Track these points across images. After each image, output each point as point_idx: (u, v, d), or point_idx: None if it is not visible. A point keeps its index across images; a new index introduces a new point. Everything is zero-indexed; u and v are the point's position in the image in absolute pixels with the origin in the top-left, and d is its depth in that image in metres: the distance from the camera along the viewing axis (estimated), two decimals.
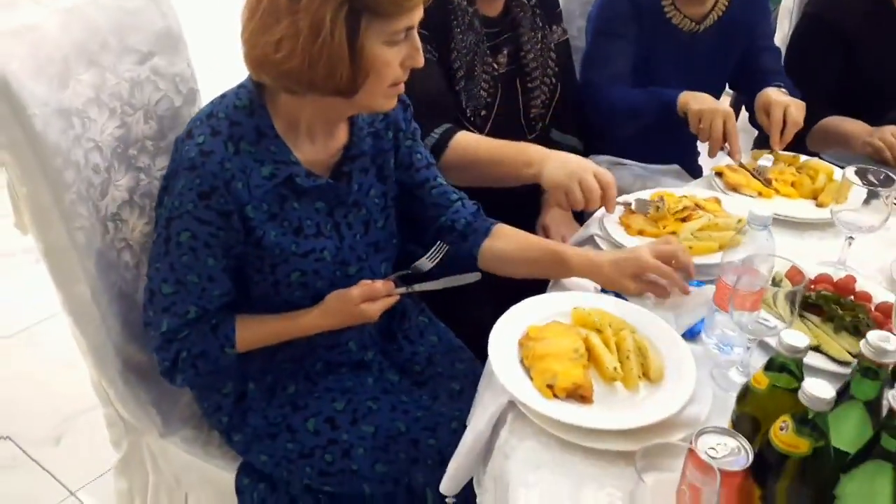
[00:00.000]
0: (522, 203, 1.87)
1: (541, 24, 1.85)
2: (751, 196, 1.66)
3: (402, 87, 1.29)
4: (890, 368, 0.89)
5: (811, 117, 1.91)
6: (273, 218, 1.29)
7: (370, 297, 1.36)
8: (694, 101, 1.77)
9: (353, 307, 1.35)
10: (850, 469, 0.85)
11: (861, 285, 1.38)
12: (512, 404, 1.15)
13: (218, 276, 1.29)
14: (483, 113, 1.76)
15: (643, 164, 2.11)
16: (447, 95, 1.70)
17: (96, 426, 1.59)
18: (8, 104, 1.18)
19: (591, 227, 1.55)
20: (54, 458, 2.12)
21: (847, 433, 0.90)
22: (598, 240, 1.51)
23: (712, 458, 0.89)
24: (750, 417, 0.97)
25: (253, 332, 1.36)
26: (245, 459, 1.41)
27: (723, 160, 1.77)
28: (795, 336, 0.92)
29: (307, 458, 1.35)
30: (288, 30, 1.16)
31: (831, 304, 1.30)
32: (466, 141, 1.64)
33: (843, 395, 0.91)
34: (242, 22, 1.23)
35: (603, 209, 1.52)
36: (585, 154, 1.99)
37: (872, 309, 1.33)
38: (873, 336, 0.87)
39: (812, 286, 1.35)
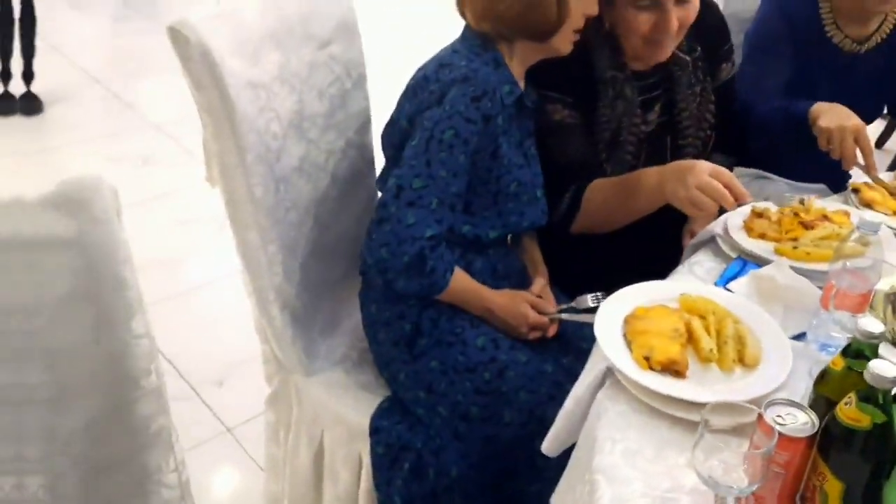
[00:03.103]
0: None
1: (702, 78, 1.80)
2: (885, 214, 1.66)
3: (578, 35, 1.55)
4: None
5: None
6: (504, 133, 1.53)
7: (537, 326, 1.59)
8: (822, 116, 1.73)
9: (520, 322, 1.57)
10: None
11: None
12: (610, 372, 1.25)
13: (460, 174, 1.49)
14: None
15: (789, 181, 2.13)
16: (589, 161, 1.72)
17: (256, 375, 1.81)
18: (210, 73, 1.40)
19: (716, 227, 1.61)
20: (216, 397, 2.41)
21: None
22: (718, 240, 1.58)
23: (779, 424, 0.97)
24: (824, 399, 1.03)
25: (459, 274, 1.54)
26: (402, 383, 1.58)
27: (862, 177, 1.78)
28: (871, 322, 0.98)
29: (470, 373, 1.52)
30: None
31: None
32: (596, 189, 1.70)
33: None
34: None
35: (738, 212, 1.58)
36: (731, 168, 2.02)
37: None
38: (866, 321, 0.93)
39: None
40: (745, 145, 1.99)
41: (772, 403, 1.00)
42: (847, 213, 1.62)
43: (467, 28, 1.58)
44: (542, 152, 1.67)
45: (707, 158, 1.85)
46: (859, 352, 0.99)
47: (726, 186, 1.47)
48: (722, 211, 1.56)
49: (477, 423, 1.50)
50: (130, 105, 4.28)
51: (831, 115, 1.74)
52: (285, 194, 1.59)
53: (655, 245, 1.75)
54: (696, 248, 1.62)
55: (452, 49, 1.56)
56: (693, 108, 1.79)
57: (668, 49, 1.68)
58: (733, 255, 1.54)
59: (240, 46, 1.47)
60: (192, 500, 1.07)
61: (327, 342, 1.74)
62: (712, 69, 1.83)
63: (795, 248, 1.49)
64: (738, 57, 2.16)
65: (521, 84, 1.59)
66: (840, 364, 1.01)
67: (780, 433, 0.95)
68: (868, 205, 1.69)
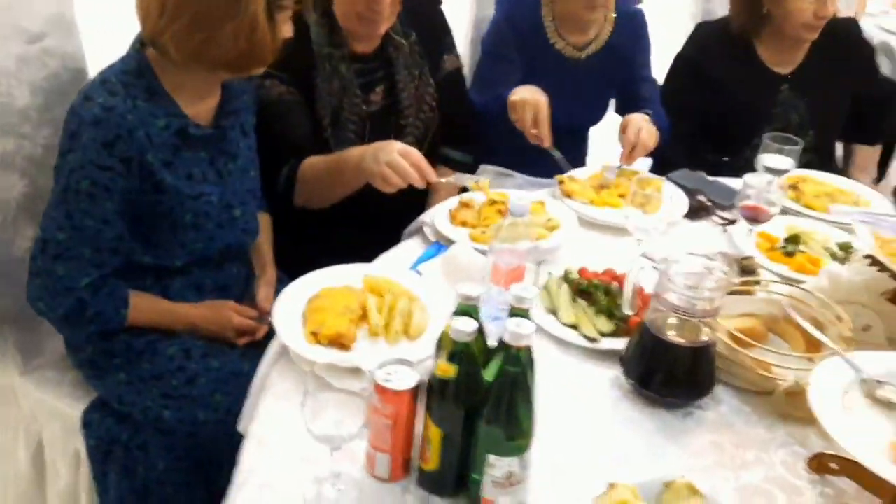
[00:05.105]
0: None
1: (419, 61, 1.92)
2: (582, 202, 1.82)
3: None
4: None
5: (683, 144, 2.08)
6: (168, 165, 1.47)
7: (246, 332, 1.60)
8: (514, 93, 1.88)
9: (224, 329, 1.58)
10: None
11: None
12: (286, 349, 1.31)
13: (112, 220, 1.43)
14: None
15: (527, 177, 2.26)
16: (306, 137, 1.79)
17: None
18: None
19: (425, 216, 1.72)
20: None
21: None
22: (425, 228, 1.68)
23: (385, 380, 1.05)
24: None
25: (143, 301, 1.52)
26: (99, 394, 1.58)
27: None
28: (469, 287, 1.07)
29: (157, 380, 1.51)
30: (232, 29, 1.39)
31: (598, 292, 1.44)
32: (310, 165, 1.77)
33: (502, 344, 1.06)
34: (155, 20, 1.40)
35: (447, 203, 1.70)
36: (476, 165, 2.15)
37: None
38: (516, 288, 1.04)
39: (595, 277, 1.50)
40: (479, 142, 2.11)
41: (386, 363, 1.08)
42: (542, 203, 1.76)
43: (132, 47, 1.51)
44: (262, 128, 1.69)
45: (432, 149, 1.96)
46: (463, 313, 1.08)
47: (414, 165, 1.56)
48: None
49: (173, 423, 1.51)
50: None
51: (520, 92, 1.89)
52: None
53: (389, 233, 1.85)
54: (409, 235, 1.72)
55: (102, 78, 1.46)
56: (412, 89, 1.90)
57: (382, 26, 1.79)
58: (433, 239, 1.64)
59: None
60: None
61: (53, 341, 1.72)
62: (432, 58, 1.95)
63: (483, 232, 1.61)
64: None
65: (210, 102, 1.54)
66: (448, 326, 1.10)
67: (380, 386, 1.03)
68: (569, 195, 1.83)
